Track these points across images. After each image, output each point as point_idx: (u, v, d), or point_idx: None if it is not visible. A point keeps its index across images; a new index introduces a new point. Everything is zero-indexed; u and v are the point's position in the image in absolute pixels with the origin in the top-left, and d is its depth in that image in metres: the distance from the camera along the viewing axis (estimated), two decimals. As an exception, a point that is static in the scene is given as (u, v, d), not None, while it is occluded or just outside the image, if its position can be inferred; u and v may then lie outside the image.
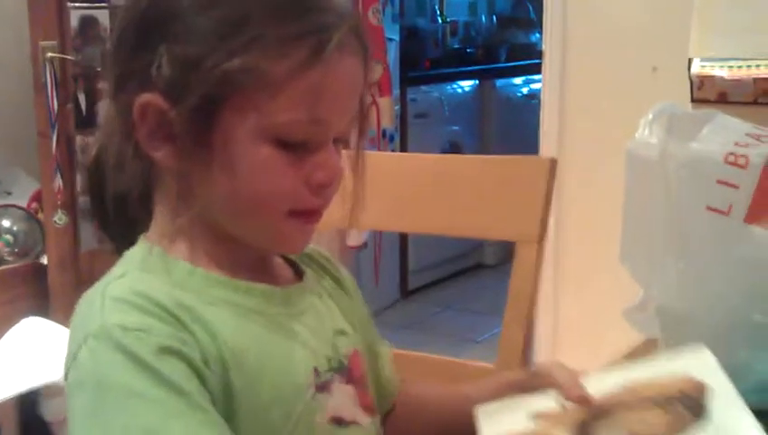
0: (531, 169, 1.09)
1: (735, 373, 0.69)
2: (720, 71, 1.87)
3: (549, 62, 2.36)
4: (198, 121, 0.63)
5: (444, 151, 3.78)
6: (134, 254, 0.68)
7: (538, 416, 0.71)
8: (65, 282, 2.15)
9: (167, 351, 0.59)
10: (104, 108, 0.70)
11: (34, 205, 2.31)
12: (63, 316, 1.93)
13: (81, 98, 2.14)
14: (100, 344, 0.59)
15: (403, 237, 3.85)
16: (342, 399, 0.70)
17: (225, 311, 0.64)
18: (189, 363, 0.60)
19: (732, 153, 0.86)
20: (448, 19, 4.44)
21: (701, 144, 0.87)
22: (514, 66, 4.36)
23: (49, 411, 1.77)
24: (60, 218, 2.13)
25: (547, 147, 2.38)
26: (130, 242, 0.69)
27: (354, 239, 3.10)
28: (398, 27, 3.60)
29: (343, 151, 0.70)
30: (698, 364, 0.71)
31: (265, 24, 0.63)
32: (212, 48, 0.62)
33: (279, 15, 0.63)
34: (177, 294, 0.63)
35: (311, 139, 0.65)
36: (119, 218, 0.70)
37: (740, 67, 1.87)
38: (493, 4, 4.84)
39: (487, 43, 4.59)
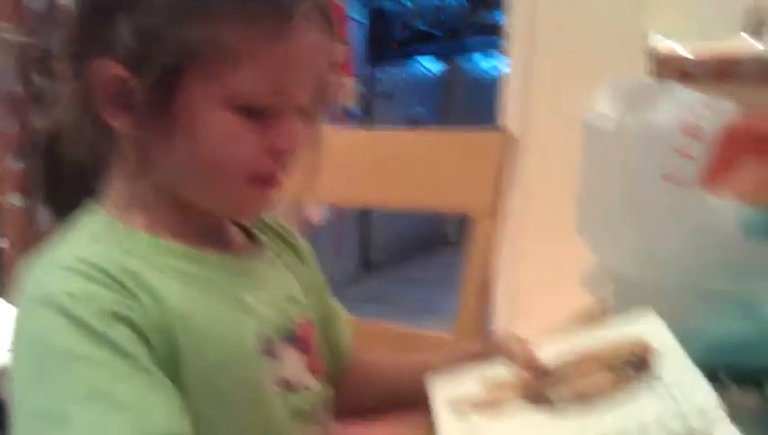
0: (486, 143, 1.09)
1: (688, 338, 0.70)
2: (680, 47, 1.88)
3: (513, 38, 2.37)
4: (159, 90, 0.63)
5: (409, 131, 3.79)
6: (83, 221, 0.68)
7: (490, 383, 0.72)
8: (22, 263, 2.12)
9: (112, 316, 0.59)
10: (61, 88, 0.68)
11: (-10, 187, 2.28)
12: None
13: (38, 79, 2.11)
14: (44, 311, 0.59)
15: (365, 212, 3.86)
16: (291, 364, 0.71)
17: (173, 278, 0.64)
18: (134, 328, 0.59)
19: (687, 123, 0.86)
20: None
21: (657, 115, 0.88)
22: (481, 46, 4.37)
23: (5, 391, 1.75)
24: (16, 200, 2.10)
25: (510, 123, 2.39)
26: (76, 212, 0.69)
27: (314, 215, 3.10)
28: (366, 9, 3.61)
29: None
30: (646, 327, 0.72)
31: None
32: (173, 18, 0.62)
33: None
34: (122, 260, 0.63)
35: (272, 107, 0.65)
36: (72, 190, 0.70)
37: (700, 43, 1.89)
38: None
39: (455, 25, 4.59)
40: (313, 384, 0.73)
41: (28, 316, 0.61)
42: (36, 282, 0.62)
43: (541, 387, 0.69)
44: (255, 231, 0.77)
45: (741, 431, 0.57)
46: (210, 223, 0.71)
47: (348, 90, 3.01)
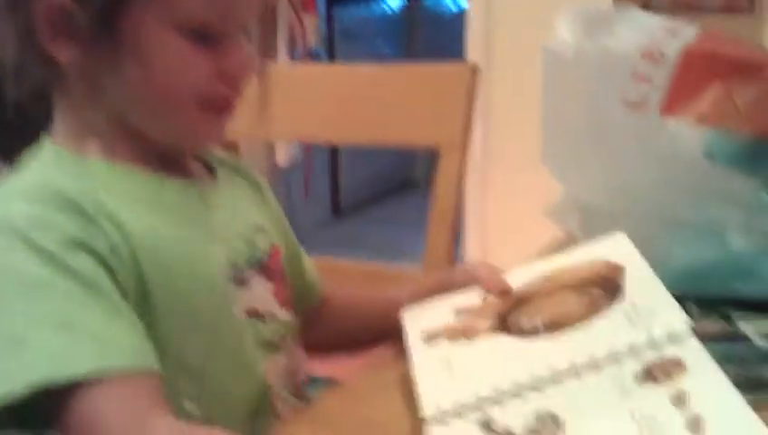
0: (452, 75, 1.08)
1: (654, 265, 0.70)
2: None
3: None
4: (104, 17, 0.62)
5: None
6: (39, 153, 0.66)
7: (461, 311, 0.72)
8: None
9: (74, 243, 0.58)
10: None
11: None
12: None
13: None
14: (3, 238, 0.58)
15: (334, 156, 3.85)
16: (259, 292, 0.70)
17: (136, 205, 0.63)
18: (97, 256, 0.58)
19: (647, 47, 0.86)
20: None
21: (617, 40, 0.88)
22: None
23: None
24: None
25: (473, 53, 2.37)
26: (25, 150, 0.67)
27: (283, 158, 3.08)
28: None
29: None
30: (616, 249, 0.72)
31: None
32: None
33: None
34: (85, 188, 0.61)
35: (221, 31, 0.65)
36: (18, 131, 0.68)
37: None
38: None
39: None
40: (281, 313, 0.73)
41: None
42: None
43: (512, 314, 0.69)
44: (215, 165, 0.76)
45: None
46: (168, 153, 0.69)
47: (310, 29, 2.97)
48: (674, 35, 0.88)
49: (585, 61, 0.87)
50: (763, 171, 0.81)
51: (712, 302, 0.80)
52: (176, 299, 0.62)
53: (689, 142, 0.82)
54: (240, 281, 0.68)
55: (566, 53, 0.88)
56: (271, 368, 0.70)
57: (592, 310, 0.65)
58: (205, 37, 0.64)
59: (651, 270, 0.68)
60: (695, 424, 0.52)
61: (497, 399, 0.59)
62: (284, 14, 2.80)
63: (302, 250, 0.85)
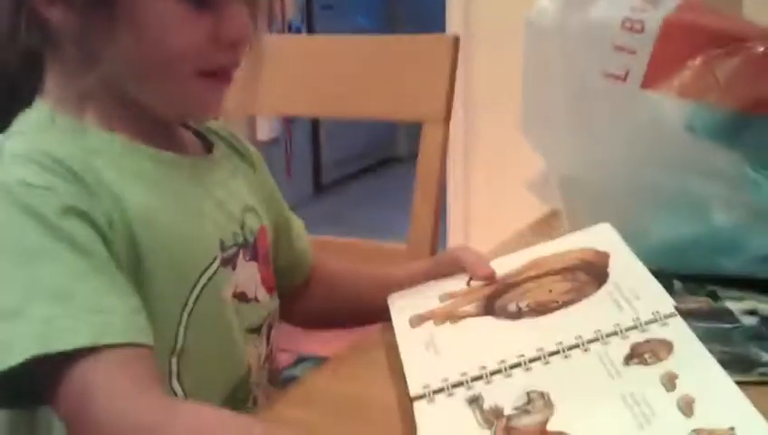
0: (434, 47, 1.07)
1: (636, 237, 0.70)
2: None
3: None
4: None
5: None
6: (32, 116, 0.64)
7: (447, 296, 0.72)
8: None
9: (71, 211, 0.56)
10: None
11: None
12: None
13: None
14: None
15: (315, 132, 3.82)
16: (246, 275, 0.70)
17: (134, 180, 0.62)
18: (93, 225, 0.57)
19: (628, 19, 0.86)
20: None
21: (598, 10, 0.87)
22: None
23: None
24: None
25: (454, 26, 2.36)
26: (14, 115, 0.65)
27: (264, 133, 3.06)
28: None
29: None
30: (602, 238, 0.72)
31: None
32: None
33: None
34: (82, 155, 0.60)
35: None
36: (8, 98, 0.66)
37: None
38: None
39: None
40: (264, 297, 0.72)
41: None
42: None
43: (498, 298, 0.69)
44: (209, 137, 0.75)
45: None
46: (163, 124, 0.68)
47: (289, 2, 2.93)
48: (655, 6, 0.87)
49: (566, 32, 0.87)
50: (744, 145, 0.80)
51: (696, 278, 0.80)
52: (168, 273, 0.62)
53: (670, 115, 0.82)
54: (228, 262, 0.67)
55: (547, 24, 0.87)
56: (252, 352, 0.70)
57: (579, 294, 0.65)
58: (202, 1, 0.62)
59: (636, 257, 0.68)
60: (686, 404, 0.52)
61: (485, 377, 0.59)
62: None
63: (294, 219, 0.84)
